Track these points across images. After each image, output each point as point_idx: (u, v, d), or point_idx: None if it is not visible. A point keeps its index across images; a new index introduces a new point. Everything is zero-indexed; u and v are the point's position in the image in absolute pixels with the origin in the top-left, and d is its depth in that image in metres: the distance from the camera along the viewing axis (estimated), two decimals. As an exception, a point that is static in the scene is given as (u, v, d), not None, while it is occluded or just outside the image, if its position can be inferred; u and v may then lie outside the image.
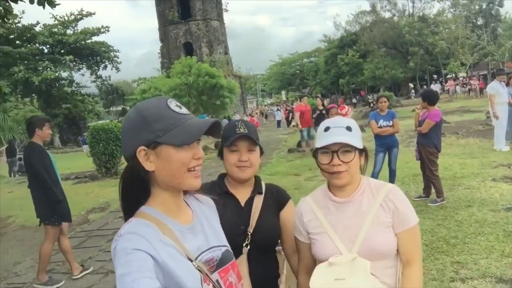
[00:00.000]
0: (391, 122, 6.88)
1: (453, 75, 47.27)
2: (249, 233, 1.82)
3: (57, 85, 33.27)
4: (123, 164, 9.61)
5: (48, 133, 4.75)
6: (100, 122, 20.47)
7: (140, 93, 21.17)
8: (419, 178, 7.01)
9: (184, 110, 1.18)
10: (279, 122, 30.38)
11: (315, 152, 1.68)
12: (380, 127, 6.89)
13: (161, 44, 36.26)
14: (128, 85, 63.45)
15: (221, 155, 1.93)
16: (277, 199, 1.96)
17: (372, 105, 32.73)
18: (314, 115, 13.02)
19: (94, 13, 33.58)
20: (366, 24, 55.25)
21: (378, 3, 54.03)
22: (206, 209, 1.37)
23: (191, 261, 1.15)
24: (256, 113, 36.32)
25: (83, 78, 37.95)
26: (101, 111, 44.21)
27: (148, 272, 1.01)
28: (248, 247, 1.81)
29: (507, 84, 9.75)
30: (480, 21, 50.71)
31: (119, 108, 63.72)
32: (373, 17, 55.10)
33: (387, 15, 55.02)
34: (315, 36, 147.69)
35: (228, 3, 40.22)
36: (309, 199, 1.77)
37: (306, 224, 1.71)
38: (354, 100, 47.97)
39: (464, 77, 44.42)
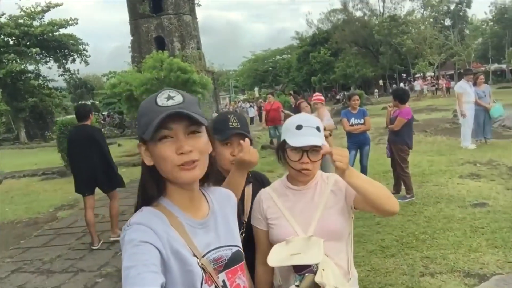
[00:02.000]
0: (362, 120, 6.98)
1: (421, 74, 48.44)
2: (244, 222, 1.92)
3: (23, 78, 32.16)
4: (93, 160, 9.12)
5: (93, 118, 5.89)
6: (68, 116, 19.96)
7: (110, 87, 20.68)
8: (389, 175, 7.14)
9: (171, 102, 1.10)
10: (252, 118, 30.39)
11: (283, 146, 1.77)
12: (352, 125, 6.98)
13: (131, 38, 35.57)
14: (98, 79, 62.15)
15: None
16: (263, 185, 2.03)
17: (343, 102, 33.15)
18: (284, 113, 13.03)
19: (61, 4, 32.64)
20: (338, 23, 55.88)
21: (349, 1, 54.80)
22: (226, 205, 1.33)
23: (197, 258, 1.12)
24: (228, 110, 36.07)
25: (50, 71, 36.61)
26: (69, 106, 42.93)
27: (154, 266, 1.00)
28: (243, 234, 1.88)
29: (474, 84, 10.04)
30: (448, 22, 52.17)
31: (88, 102, 62.33)
32: (345, 15, 55.76)
33: (358, 14, 55.86)
34: (288, 33, 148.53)
35: (201, -3, 39.80)
36: (268, 189, 1.89)
37: (265, 211, 1.81)
38: (338, 97, 47.29)
39: (432, 77, 45.60)
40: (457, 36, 45.87)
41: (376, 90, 46.62)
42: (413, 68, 47.31)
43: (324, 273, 1.59)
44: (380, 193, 1.60)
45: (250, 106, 34.76)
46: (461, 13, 51.91)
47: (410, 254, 4.32)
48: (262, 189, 1.91)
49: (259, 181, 2.07)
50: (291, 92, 22.61)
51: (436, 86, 39.25)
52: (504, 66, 51.84)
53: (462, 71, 43.08)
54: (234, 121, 1.86)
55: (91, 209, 5.52)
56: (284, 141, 1.74)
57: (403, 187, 6.48)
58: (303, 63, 56.78)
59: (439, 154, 9.48)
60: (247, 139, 1.68)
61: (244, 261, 1.29)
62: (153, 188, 1.18)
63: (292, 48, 65.92)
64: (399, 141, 6.38)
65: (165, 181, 1.18)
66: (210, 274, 1.13)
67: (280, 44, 77.86)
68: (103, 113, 45.99)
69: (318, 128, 1.73)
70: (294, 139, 1.69)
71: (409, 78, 48.45)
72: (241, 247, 1.30)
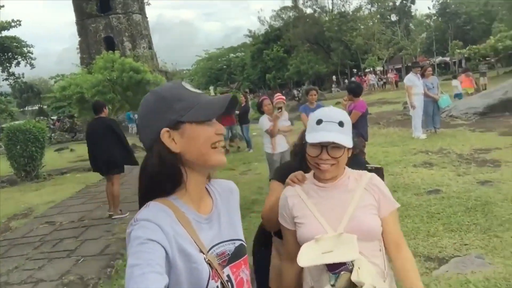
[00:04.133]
0: (320, 114, 7.11)
1: (371, 69, 49.93)
2: None
3: (-38, 84, 30.41)
4: (44, 166, 9.15)
5: (107, 111, 6.91)
6: (16, 122, 19.03)
7: (59, 90, 19.89)
8: (348, 167, 7.32)
9: (197, 90, 1.19)
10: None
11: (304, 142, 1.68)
12: (310, 119, 7.09)
13: (79, 38, 34.39)
14: (45, 83, 59.60)
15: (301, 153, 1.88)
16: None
17: (298, 99, 33.59)
18: (238, 112, 13.03)
19: (2, 6, 31.08)
20: (289, 20, 56.50)
21: (300, -1, 55.48)
22: (229, 198, 1.32)
23: (204, 254, 1.11)
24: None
25: (-7, 76, 34.87)
26: (15, 111, 40.86)
27: (159, 266, 0.99)
28: None
29: (423, 76, 10.48)
30: (394, 18, 54.00)
31: (36, 107, 59.63)
32: (296, 12, 56.45)
33: (309, 11, 56.71)
34: (241, 31, 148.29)
35: (150, -4, 38.69)
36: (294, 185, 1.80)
37: (291, 208, 1.72)
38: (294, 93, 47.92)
39: (381, 71, 47.08)
40: (403, 31, 47.62)
41: (334, 85, 47.66)
42: (363, 63, 48.66)
43: (360, 271, 1.53)
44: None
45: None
46: (406, 9, 53.91)
47: (373, 243, 4.44)
48: (288, 186, 1.82)
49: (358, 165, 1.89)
50: (246, 90, 22.65)
51: (385, 80, 40.57)
52: (447, 59, 54.31)
53: (410, 64, 44.90)
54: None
55: (111, 184, 6.65)
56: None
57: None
58: (257, 60, 57.01)
59: (393, 145, 9.82)
60: None
61: (247, 254, 1.29)
62: (165, 185, 1.15)
63: (245, 46, 65.98)
64: (355, 133, 6.53)
65: (180, 175, 1.15)
66: (216, 269, 1.13)
67: (234, 42, 77.64)
68: (52, 117, 44.08)
69: (341, 123, 1.63)
70: (311, 135, 1.62)
71: (359, 73, 49.80)
72: (244, 241, 1.29)
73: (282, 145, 6.53)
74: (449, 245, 4.14)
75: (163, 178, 1.14)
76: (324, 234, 1.60)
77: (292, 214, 1.72)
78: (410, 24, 53.10)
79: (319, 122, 1.62)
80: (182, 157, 1.13)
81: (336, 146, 1.59)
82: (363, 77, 42.54)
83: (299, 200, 1.72)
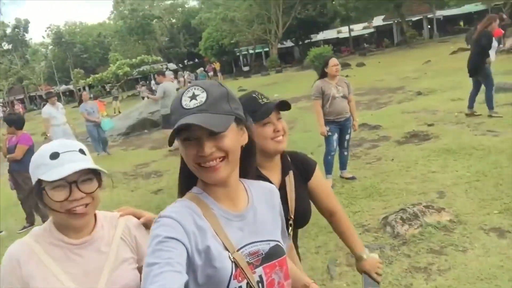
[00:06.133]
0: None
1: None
2: (291, 218, 1.76)
3: None
4: None
5: None
6: None
7: None
8: (18, 208, 6.53)
9: (193, 103, 1.06)
10: None
11: (39, 189, 1.27)
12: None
13: None
14: None
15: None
16: (304, 170, 1.88)
17: None
18: None
19: None
20: None
21: None
22: (267, 199, 1.28)
23: (229, 252, 1.07)
24: None
25: None
26: None
27: (178, 265, 0.96)
28: (291, 232, 1.76)
29: (80, 102, 10.30)
30: (7, 46, 50.30)
31: None
32: None
33: None
34: None
35: None
36: (29, 241, 1.30)
37: (26, 276, 1.25)
38: None
39: (3, 103, 43.08)
40: (22, 60, 45.15)
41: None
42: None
43: None
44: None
45: None
46: (20, 37, 51.21)
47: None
48: (18, 241, 1.31)
49: (299, 166, 1.86)
50: None
51: (13, 111, 37.51)
52: (71, 86, 55.16)
53: (34, 94, 43.03)
54: (263, 97, 1.70)
55: None
56: (39, 182, 1.27)
57: (37, 216, 6.12)
58: None
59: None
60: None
61: (284, 256, 1.23)
62: (187, 179, 1.17)
63: None
64: (24, 169, 5.92)
65: (191, 176, 1.16)
66: (242, 269, 1.08)
67: None
68: None
69: (82, 151, 1.33)
70: (51, 173, 1.23)
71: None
72: (281, 242, 1.24)
73: None
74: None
75: (182, 176, 1.20)
76: None
77: (29, 284, 1.25)
78: (27, 53, 50.87)
79: (54, 156, 1.26)
80: None
81: (88, 178, 1.29)
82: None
83: (39, 265, 1.28)
